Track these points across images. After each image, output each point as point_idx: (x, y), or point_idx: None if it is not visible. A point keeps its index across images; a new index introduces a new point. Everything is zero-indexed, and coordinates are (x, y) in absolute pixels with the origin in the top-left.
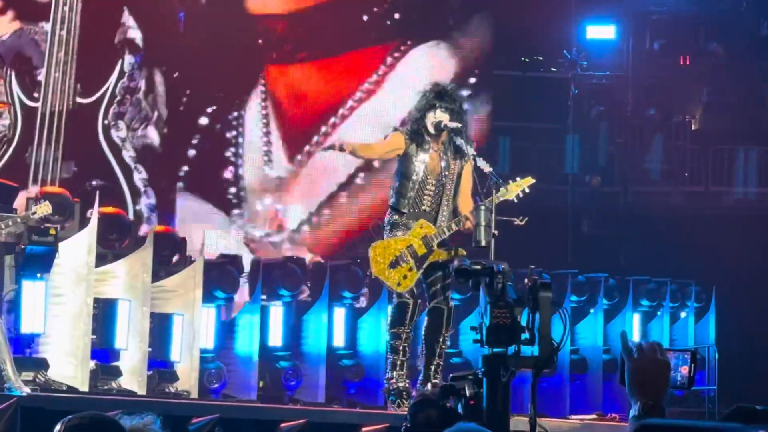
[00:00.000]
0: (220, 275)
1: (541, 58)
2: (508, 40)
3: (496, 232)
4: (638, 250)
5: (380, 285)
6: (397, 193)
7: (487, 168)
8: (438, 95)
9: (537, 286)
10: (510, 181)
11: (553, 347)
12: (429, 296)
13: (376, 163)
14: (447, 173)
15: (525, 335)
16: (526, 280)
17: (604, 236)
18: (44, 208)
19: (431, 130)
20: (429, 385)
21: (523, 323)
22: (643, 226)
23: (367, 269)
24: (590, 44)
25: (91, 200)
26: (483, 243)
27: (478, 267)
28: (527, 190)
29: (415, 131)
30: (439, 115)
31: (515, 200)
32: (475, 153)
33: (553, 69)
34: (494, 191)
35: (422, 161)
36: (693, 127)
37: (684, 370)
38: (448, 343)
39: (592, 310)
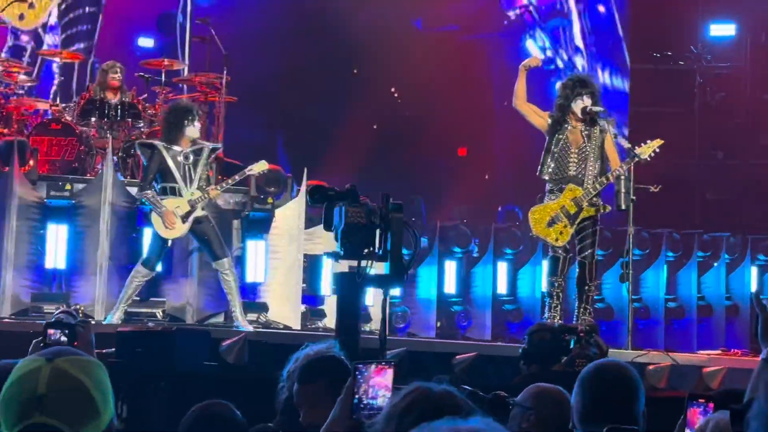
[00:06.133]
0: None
1: (670, 54)
2: (643, 39)
3: (634, 198)
4: (756, 213)
5: (535, 242)
6: (541, 165)
7: (626, 144)
8: (582, 83)
9: (389, 207)
10: (642, 144)
11: (403, 266)
12: (578, 250)
13: None
14: (588, 143)
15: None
16: (377, 205)
17: (726, 201)
18: (261, 166)
19: (579, 114)
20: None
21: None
22: (760, 192)
23: (524, 230)
24: (713, 40)
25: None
26: (623, 207)
27: (333, 193)
28: (657, 150)
29: (559, 118)
30: (586, 101)
31: (648, 159)
32: (616, 132)
33: (681, 62)
34: (630, 162)
35: (561, 137)
36: None
37: None
38: (595, 291)
39: (715, 264)
